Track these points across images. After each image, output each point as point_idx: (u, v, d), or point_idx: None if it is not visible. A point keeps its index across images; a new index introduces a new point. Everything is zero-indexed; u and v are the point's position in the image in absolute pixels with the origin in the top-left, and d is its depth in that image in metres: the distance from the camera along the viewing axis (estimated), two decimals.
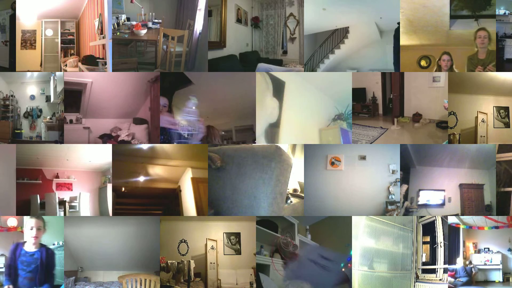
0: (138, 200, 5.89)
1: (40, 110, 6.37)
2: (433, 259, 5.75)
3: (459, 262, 6.28)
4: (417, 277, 5.80)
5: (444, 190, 5.91)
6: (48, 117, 6.27)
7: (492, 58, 5.61)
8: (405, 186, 5.73)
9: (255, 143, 5.57)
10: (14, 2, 6.17)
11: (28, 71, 6.21)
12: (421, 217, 5.86)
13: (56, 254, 4.72)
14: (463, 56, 5.79)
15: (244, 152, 4.51)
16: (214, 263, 5.78)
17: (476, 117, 5.79)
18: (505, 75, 5.74)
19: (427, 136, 5.97)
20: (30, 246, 4.45)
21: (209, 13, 6.65)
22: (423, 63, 6.07)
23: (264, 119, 5.67)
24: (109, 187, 5.65)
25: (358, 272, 5.65)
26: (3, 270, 5.99)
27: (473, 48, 5.67)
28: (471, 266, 6.30)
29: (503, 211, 5.66)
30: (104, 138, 5.83)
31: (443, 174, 5.94)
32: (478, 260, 6.33)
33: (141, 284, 5.29)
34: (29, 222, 4.51)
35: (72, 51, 6.79)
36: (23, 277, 4.37)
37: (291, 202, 5.58)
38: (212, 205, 4.80)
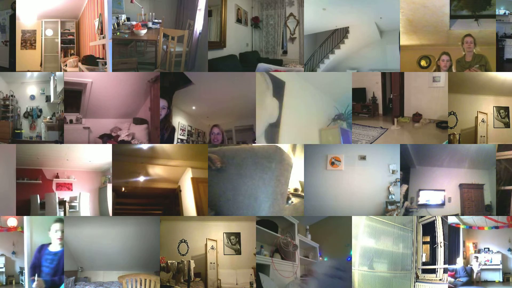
0: (138, 200, 5.89)
1: (40, 110, 6.37)
2: (433, 259, 5.75)
3: (459, 262, 6.28)
4: (417, 277, 5.80)
5: (444, 190, 5.91)
6: (48, 117, 6.27)
7: (478, 60, 5.70)
8: (405, 186, 5.73)
9: (255, 143, 5.57)
10: (14, 2, 6.17)
11: (28, 71, 6.21)
12: (421, 217, 5.86)
13: None
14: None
15: (244, 152, 4.51)
16: (214, 263, 5.78)
17: (476, 117, 5.79)
18: (505, 75, 5.74)
19: (427, 136, 5.97)
20: (55, 246, 5.29)
21: (209, 13, 6.65)
22: (423, 63, 6.07)
23: (264, 119, 5.67)
24: (109, 187, 5.65)
25: (358, 272, 5.65)
26: (3, 270, 6.03)
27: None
28: (471, 265, 6.31)
29: (503, 210, 5.66)
30: (104, 138, 5.83)
31: (443, 174, 5.94)
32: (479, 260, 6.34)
33: (141, 284, 5.29)
34: (54, 226, 5.32)
35: (72, 51, 6.79)
36: (46, 272, 5.20)
37: (291, 202, 5.58)
38: (212, 207, 4.80)
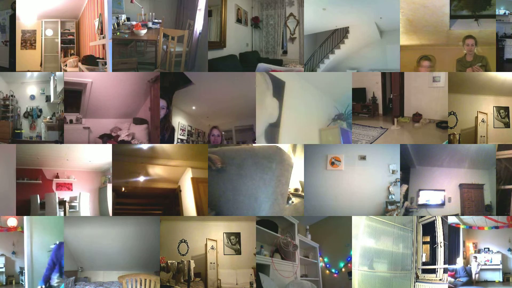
0: (138, 200, 5.89)
1: (40, 110, 6.37)
2: (433, 259, 5.75)
3: (459, 262, 6.28)
4: (417, 277, 5.80)
5: (444, 190, 5.91)
6: (48, 117, 6.27)
7: (479, 60, 5.72)
8: (405, 186, 5.73)
9: (255, 143, 5.57)
10: (14, 2, 6.17)
11: (28, 71, 6.21)
12: (421, 217, 5.86)
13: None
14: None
15: (244, 153, 4.51)
16: (214, 263, 5.78)
17: (476, 117, 5.79)
18: (505, 75, 5.74)
19: (427, 136, 5.97)
20: None
21: (209, 13, 6.65)
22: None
23: (264, 119, 5.67)
24: (109, 187, 5.65)
25: (358, 272, 5.66)
26: (3, 270, 6.03)
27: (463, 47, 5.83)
28: (471, 266, 6.31)
29: (503, 209, 5.66)
30: (104, 138, 5.83)
31: (443, 174, 5.94)
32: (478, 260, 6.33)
33: (141, 284, 5.29)
34: None
35: (72, 51, 6.79)
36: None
37: (292, 202, 5.58)
38: (212, 207, 4.80)
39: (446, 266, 5.63)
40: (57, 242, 5.76)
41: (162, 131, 5.66)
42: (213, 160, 4.56)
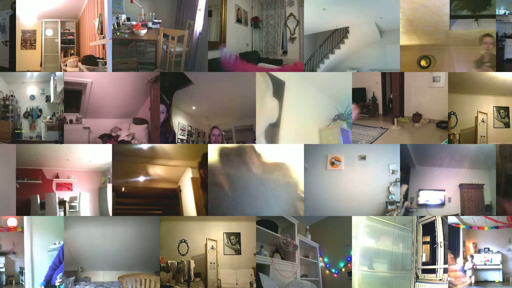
0: (138, 200, 5.89)
1: (40, 110, 6.37)
2: (433, 259, 5.75)
3: (459, 262, 6.28)
4: (417, 277, 5.80)
5: (444, 190, 5.91)
6: (48, 117, 6.27)
7: (491, 60, 5.68)
8: (405, 186, 5.73)
9: (255, 143, 5.57)
10: (14, 2, 6.18)
11: (28, 71, 6.21)
12: (421, 217, 5.87)
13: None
14: (464, 55, 5.80)
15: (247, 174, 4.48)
16: (214, 263, 5.78)
17: (476, 117, 5.79)
18: (505, 75, 5.74)
19: (427, 136, 5.97)
20: None
21: (209, 13, 6.65)
22: (423, 63, 6.07)
23: (264, 119, 5.67)
24: (109, 187, 5.66)
25: (358, 272, 5.66)
26: (3, 270, 6.03)
27: (476, 48, 5.75)
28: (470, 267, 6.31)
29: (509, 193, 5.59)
30: (104, 138, 5.84)
31: (443, 174, 5.94)
32: (477, 260, 6.33)
33: (141, 284, 5.29)
34: None
35: (72, 51, 6.79)
36: None
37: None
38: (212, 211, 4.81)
39: (446, 266, 5.64)
40: (57, 242, 5.77)
41: (165, 135, 5.67)
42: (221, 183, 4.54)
